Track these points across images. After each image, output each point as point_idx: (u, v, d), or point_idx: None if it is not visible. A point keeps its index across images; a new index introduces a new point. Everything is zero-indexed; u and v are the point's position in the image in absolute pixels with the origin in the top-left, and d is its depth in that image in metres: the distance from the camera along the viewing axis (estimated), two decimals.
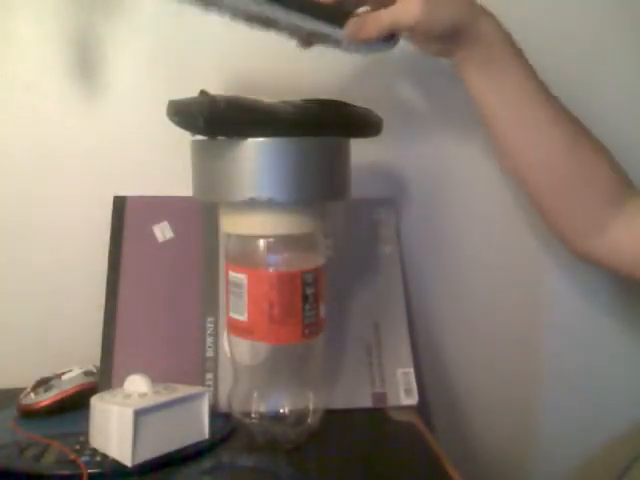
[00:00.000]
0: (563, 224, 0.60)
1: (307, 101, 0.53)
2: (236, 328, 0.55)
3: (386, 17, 0.51)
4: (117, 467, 0.50)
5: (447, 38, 0.53)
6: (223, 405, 0.61)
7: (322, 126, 0.53)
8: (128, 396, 0.53)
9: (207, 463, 0.52)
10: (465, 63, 0.56)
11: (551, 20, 0.74)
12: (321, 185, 0.52)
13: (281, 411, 0.56)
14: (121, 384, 0.56)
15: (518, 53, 0.56)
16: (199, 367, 0.63)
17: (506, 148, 0.59)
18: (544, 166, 0.57)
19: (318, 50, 0.58)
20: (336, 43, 0.53)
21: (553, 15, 0.74)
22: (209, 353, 0.64)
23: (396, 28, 0.52)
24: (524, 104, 0.56)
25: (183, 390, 0.55)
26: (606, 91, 0.76)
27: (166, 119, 0.51)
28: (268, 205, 0.50)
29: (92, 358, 0.64)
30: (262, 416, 0.55)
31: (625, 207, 0.57)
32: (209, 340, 0.64)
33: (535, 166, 0.58)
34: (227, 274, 0.55)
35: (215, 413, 0.58)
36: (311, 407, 0.56)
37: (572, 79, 0.75)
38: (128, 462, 0.50)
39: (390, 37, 0.53)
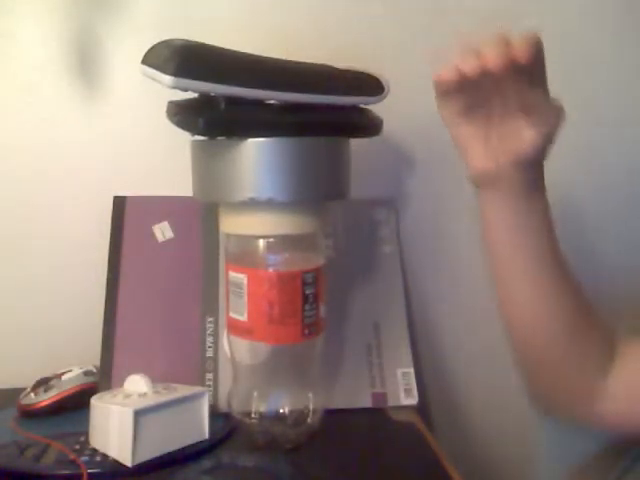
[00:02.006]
0: (558, 396, 0.55)
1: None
2: (236, 328, 0.55)
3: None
4: (117, 467, 0.50)
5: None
6: (223, 405, 0.61)
7: (322, 126, 0.53)
8: (128, 396, 0.53)
9: (207, 463, 0.52)
10: (503, 195, 0.50)
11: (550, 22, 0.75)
12: (321, 185, 0.52)
13: (281, 411, 0.56)
14: (121, 384, 0.56)
15: (546, 200, 0.51)
16: (199, 367, 0.63)
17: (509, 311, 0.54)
18: (543, 338, 0.53)
19: (321, 53, 0.58)
20: None
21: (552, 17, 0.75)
22: (209, 353, 0.64)
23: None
24: (537, 261, 0.51)
25: (183, 390, 0.55)
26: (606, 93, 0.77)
27: (166, 119, 0.51)
28: (268, 205, 0.50)
29: (92, 358, 0.64)
30: (262, 416, 0.55)
31: (614, 362, 0.53)
32: (209, 340, 0.64)
33: (534, 337, 0.53)
34: (227, 274, 0.55)
35: (215, 413, 0.58)
36: (311, 407, 0.56)
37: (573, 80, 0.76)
38: (128, 462, 0.50)
39: None
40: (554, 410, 0.57)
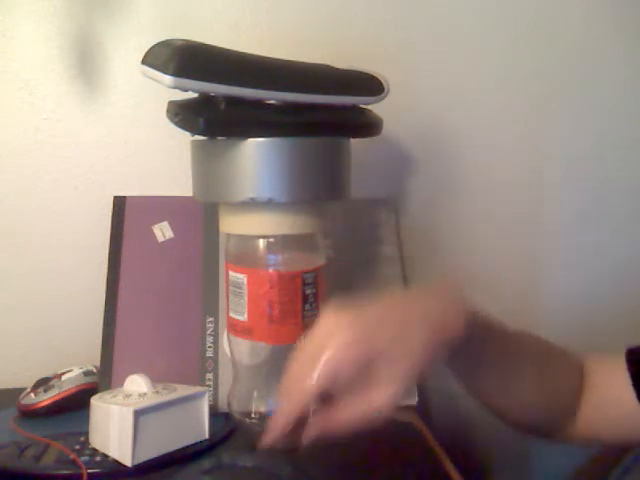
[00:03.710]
0: (530, 430, 0.56)
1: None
2: (236, 328, 0.55)
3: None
4: (117, 467, 0.50)
5: None
6: (223, 405, 0.60)
7: (322, 126, 0.53)
8: (128, 396, 0.53)
9: (207, 463, 0.52)
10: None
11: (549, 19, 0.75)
12: (321, 185, 0.52)
13: None
14: (121, 384, 0.56)
15: (493, 334, 0.49)
16: (199, 367, 0.63)
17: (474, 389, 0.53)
18: (514, 405, 0.53)
19: (321, 53, 0.58)
20: None
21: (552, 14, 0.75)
22: (209, 353, 0.64)
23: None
24: (496, 375, 0.50)
25: (183, 390, 0.55)
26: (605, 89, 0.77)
27: (166, 119, 0.51)
28: (268, 205, 0.50)
29: (92, 358, 0.64)
30: (262, 416, 0.55)
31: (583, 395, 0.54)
32: (209, 340, 0.64)
33: (504, 404, 0.53)
34: (227, 274, 0.55)
35: (215, 413, 0.58)
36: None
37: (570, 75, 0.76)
38: (128, 462, 0.50)
39: None
40: (530, 435, 0.57)
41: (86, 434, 0.54)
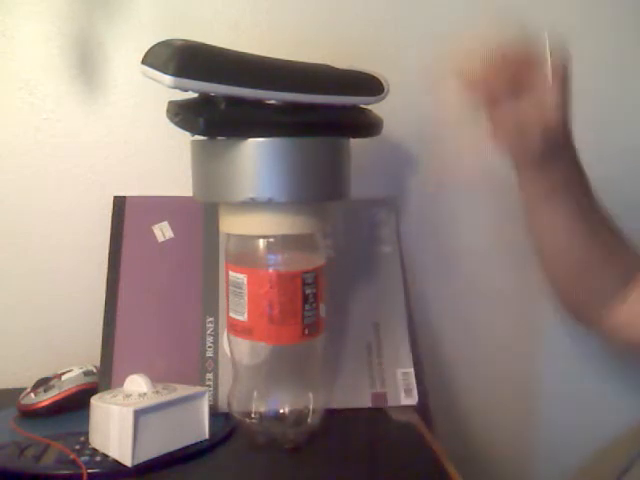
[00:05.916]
0: (579, 304, 0.59)
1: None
2: (236, 328, 0.55)
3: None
4: (117, 467, 0.50)
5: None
6: (223, 405, 0.61)
7: (322, 126, 0.53)
8: (128, 396, 0.53)
9: (207, 463, 0.52)
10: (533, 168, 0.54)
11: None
12: (321, 185, 0.52)
13: (281, 411, 0.56)
14: (121, 384, 0.56)
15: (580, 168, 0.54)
16: (199, 367, 0.63)
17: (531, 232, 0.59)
18: (564, 251, 0.56)
19: (321, 53, 0.58)
20: None
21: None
22: (209, 353, 0.64)
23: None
24: (565, 214, 0.55)
25: (183, 390, 0.55)
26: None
27: (166, 119, 0.51)
28: (268, 205, 0.50)
29: (92, 358, 0.64)
30: (262, 416, 0.55)
31: (632, 291, 0.56)
32: (209, 340, 0.64)
33: (555, 251, 0.57)
34: (227, 274, 0.55)
35: (215, 413, 0.58)
36: (311, 407, 0.56)
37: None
38: (128, 462, 0.50)
39: None
40: (580, 320, 0.61)
41: (86, 434, 0.54)
